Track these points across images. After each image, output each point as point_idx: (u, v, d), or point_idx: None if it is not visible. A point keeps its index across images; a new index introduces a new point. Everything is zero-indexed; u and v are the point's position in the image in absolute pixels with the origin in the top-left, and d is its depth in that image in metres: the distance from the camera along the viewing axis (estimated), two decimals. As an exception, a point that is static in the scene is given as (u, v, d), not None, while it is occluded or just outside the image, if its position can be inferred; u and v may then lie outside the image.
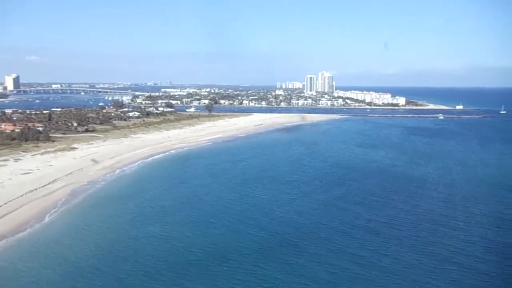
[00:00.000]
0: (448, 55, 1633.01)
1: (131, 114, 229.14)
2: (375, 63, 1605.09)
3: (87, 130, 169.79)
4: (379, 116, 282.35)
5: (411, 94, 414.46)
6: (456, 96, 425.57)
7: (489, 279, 49.75)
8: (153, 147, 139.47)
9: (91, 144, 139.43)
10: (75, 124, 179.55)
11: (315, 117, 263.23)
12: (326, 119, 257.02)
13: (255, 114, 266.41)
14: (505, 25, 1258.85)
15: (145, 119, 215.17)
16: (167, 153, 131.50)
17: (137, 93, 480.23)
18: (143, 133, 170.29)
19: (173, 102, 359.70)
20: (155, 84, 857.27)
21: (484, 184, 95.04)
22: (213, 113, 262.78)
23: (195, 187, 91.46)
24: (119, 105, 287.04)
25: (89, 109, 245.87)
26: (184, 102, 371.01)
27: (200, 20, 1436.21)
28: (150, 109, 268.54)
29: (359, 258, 54.89)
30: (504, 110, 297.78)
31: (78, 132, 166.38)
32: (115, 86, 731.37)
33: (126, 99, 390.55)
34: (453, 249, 58.27)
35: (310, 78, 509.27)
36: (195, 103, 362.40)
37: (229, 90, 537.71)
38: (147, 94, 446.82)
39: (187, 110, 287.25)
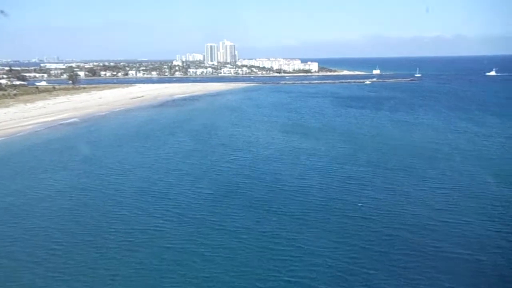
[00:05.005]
0: (347, 26, 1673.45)
1: None
2: (274, 35, 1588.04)
3: None
4: (294, 83, 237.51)
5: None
6: (361, 64, 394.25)
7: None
8: None
9: None
10: None
11: (216, 86, 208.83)
12: (230, 88, 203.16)
13: (138, 85, 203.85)
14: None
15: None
16: None
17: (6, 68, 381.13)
18: None
19: (45, 75, 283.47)
20: (40, 60, 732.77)
21: None
22: (79, 85, 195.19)
23: None
24: None
25: None
26: (53, 75, 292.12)
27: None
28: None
29: None
30: (419, 73, 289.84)
31: None
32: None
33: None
34: None
35: (211, 47, 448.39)
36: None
37: (121, 64, 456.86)
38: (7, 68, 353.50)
39: (37, 83, 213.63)
